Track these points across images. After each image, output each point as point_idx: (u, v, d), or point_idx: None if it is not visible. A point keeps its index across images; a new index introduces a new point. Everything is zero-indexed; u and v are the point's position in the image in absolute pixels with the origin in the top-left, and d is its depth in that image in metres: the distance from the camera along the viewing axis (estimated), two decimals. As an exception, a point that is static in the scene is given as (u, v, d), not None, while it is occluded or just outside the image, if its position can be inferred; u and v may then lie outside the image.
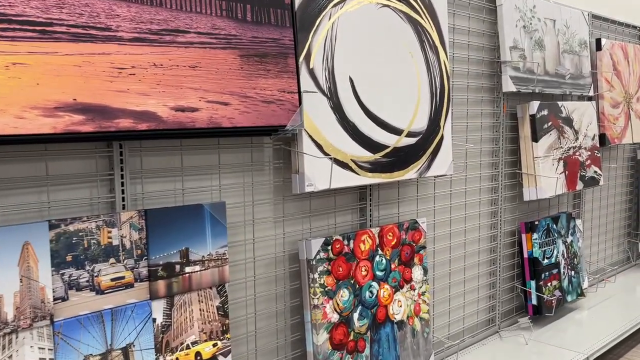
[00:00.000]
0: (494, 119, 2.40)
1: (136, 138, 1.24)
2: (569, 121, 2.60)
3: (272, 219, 1.63)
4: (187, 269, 1.32)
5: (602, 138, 2.93)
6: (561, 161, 2.55)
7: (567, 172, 2.59)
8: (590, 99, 2.92)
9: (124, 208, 1.29)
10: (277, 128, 1.41)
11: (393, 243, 1.86)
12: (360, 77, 1.66)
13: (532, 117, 2.42)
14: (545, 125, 2.47)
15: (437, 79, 1.93)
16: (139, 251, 1.25)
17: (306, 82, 1.52)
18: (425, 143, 1.88)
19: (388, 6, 1.75)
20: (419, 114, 1.86)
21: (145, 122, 1.15)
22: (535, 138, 2.43)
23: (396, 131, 1.78)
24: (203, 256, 1.35)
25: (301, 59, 1.51)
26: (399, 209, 2.01)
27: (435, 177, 2.01)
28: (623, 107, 3.05)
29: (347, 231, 1.84)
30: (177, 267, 1.31)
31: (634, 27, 3.36)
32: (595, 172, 2.78)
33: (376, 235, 1.80)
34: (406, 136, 1.82)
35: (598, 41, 2.89)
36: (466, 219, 2.30)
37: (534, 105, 2.41)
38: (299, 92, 1.45)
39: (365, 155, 1.69)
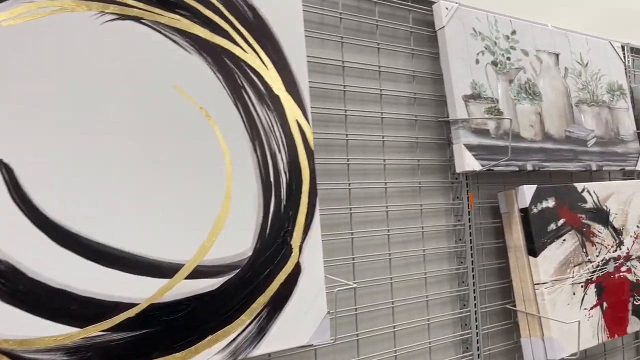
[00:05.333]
0: (453, 219, 1.40)
1: None
2: (600, 215, 1.54)
3: None
4: None
5: (671, 237, 1.80)
6: (591, 286, 1.47)
7: (605, 303, 1.49)
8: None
9: None
10: None
11: None
12: (43, 162, 0.78)
13: (524, 212, 1.39)
14: (553, 226, 1.42)
15: (281, 156, 1.00)
16: None
17: None
18: (247, 286, 0.92)
19: (139, 20, 0.88)
20: (229, 228, 0.92)
21: None
22: (533, 249, 1.38)
23: (156, 269, 0.85)
24: None
25: None
26: (222, 414, 1.02)
27: (295, 348, 1.02)
28: (702, 185, 1.93)
29: None
30: None
31: None
32: (664, 296, 1.65)
33: None
34: (190, 277, 0.87)
35: (644, 86, 1.86)
36: (402, 409, 1.25)
37: (526, 192, 1.39)
38: None
39: (47, 334, 0.75)
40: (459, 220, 1.39)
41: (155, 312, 0.83)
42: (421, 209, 1.33)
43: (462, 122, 1.31)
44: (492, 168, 1.33)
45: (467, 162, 1.30)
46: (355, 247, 1.21)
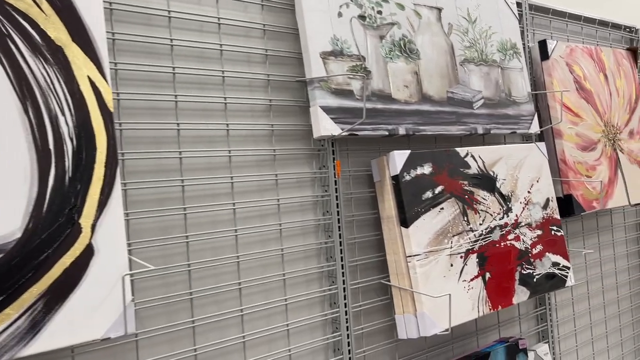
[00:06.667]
0: (319, 189, 1.28)
1: None
2: (486, 181, 1.45)
3: None
4: None
5: (567, 203, 1.74)
6: (472, 256, 1.38)
7: (487, 274, 1.41)
8: (541, 138, 1.76)
9: None
10: None
11: None
12: None
13: (396, 180, 1.29)
14: (429, 194, 1.32)
15: (65, 119, 0.85)
16: None
17: None
18: (14, 274, 0.78)
19: None
20: (-14, 207, 0.77)
21: None
22: (404, 220, 1.28)
23: None
24: None
25: None
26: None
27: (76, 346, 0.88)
28: (603, 149, 1.87)
29: None
30: None
31: (620, 26, 2.20)
32: (556, 264, 1.58)
33: None
34: None
35: (543, 44, 1.77)
36: (253, 399, 1.14)
37: (397, 158, 1.28)
38: None
39: None
40: (325, 191, 1.27)
41: None
42: (276, 180, 1.20)
43: (318, 82, 1.18)
44: (354, 132, 1.21)
45: (324, 126, 1.18)
46: (193, 225, 1.07)
